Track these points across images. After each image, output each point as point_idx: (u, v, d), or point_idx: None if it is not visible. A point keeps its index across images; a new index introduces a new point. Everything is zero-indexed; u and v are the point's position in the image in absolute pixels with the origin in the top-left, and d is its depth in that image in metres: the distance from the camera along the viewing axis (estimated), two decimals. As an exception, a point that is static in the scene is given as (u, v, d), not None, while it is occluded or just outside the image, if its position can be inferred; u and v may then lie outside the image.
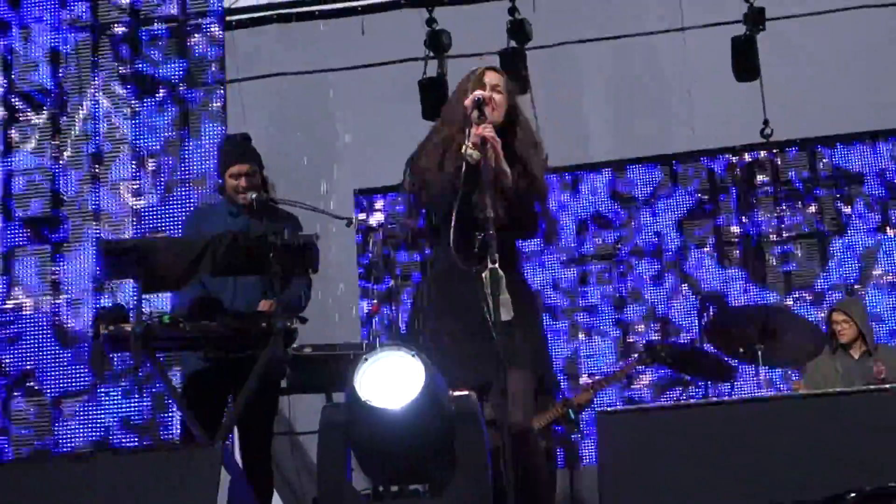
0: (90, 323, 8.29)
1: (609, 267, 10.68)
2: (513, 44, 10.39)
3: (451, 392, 4.48)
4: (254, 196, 6.70)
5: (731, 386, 8.82)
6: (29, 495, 4.49)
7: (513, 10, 10.40)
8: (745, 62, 10.13)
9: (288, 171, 10.01)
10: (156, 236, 7.33)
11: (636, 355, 8.60)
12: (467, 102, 5.03)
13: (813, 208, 10.60)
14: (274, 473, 7.24)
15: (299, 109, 11.14)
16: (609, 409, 4.83)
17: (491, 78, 5.39)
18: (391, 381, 4.20)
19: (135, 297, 6.22)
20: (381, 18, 10.83)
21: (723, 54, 10.16)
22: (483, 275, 4.77)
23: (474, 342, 4.92)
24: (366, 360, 4.26)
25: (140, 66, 9.37)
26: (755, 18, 10.07)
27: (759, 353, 7.85)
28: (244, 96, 10.48)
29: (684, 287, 10.42)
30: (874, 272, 10.36)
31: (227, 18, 9.97)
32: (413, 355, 4.24)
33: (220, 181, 6.88)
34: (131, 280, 6.50)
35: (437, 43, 10.43)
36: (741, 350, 7.98)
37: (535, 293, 5.59)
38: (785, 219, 10.60)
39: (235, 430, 6.68)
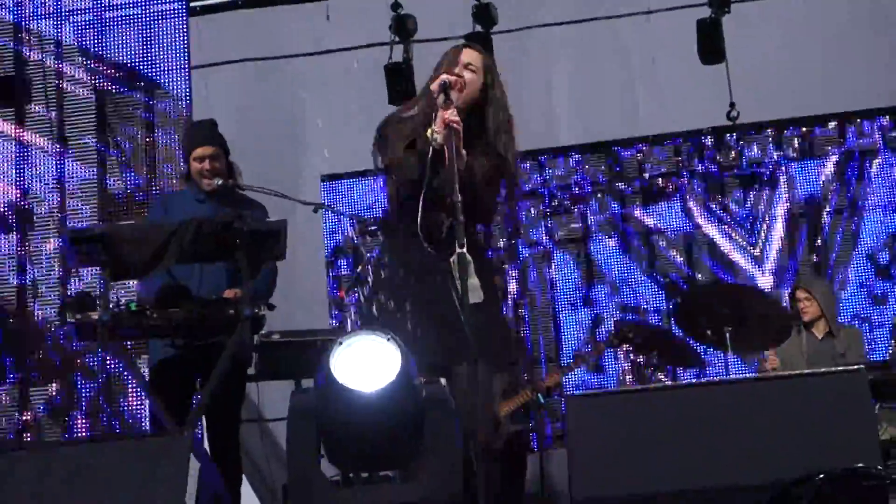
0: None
1: (577, 250, 10.69)
2: (478, 28, 10.33)
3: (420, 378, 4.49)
4: (219, 182, 6.67)
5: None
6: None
7: (477, -8, 10.36)
8: (711, 45, 10.12)
9: (254, 158, 9.96)
10: (122, 224, 7.29)
11: (605, 337, 8.62)
12: (434, 87, 5.01)
13: (782, 189, 10.63)
14: (243, 460, 7.24)
15: (265, 95, 11.12)
16: (577, 392, 4.80)
17: (466, 56, 5.35)
18: (367, 364, 4.20)
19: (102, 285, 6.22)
20: (346, 3, 10.80)
21: (688, 37, 10.14)
22: (451, 259, 4.77)
23: (440, 327, 4.91)
24: (341, 343, 4.25)
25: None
26: (721, 1, 10.06)
27: (728, 336, 7.85)
28: (209, 82, 10.46)
29: (652, 271, 10.45)
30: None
31: (192, 4, 9.92)
32: (389, 339, 4.23)
33: (185, 168, 6.81)
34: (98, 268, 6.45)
35: (403, 28, 10.37)
36: (710, 333, 7.98)
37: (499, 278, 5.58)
38: (748, 200, 10.63)
39: (203, 417, 6.64)
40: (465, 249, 4.75)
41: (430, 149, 4.93)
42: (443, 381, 4.54)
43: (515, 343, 5.52)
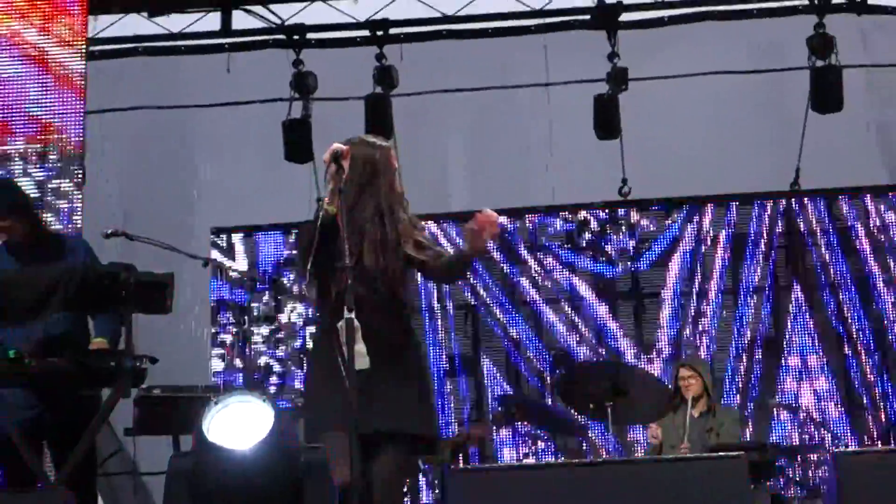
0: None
1: (465, 315, 10.67)
2: (379, 90, 10.36)
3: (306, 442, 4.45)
4: (109, 231, 6.60)
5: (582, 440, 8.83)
6: None
7: (380, 57, 10.41)
8: (607, 121, 10.22)
9: (146, 206, 9.90)
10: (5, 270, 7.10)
11: (493, 411, 8.58)
12: (325, 157, 4.98)
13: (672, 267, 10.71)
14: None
15: (160, 144, 11.02)
16: (457, 466, 4.74)
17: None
18: (239, 423, 4.15)
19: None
20: (247, 57, 10.76)
21: (585, 111, 10.23)
22: (339, 325, 4.72)
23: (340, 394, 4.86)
24: (216, 403, 4.22)
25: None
26: (618, 78, 10.18)
27: (609, 410, 7.87)
28: (104, 127, 10.34)
29: (539, 342, 10.44)
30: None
31: (91, 48, 9.81)
32: (263, 400, 4.21)
33: None
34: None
35: (303, 84, 10.38)
36: (591, 407, 7.98)
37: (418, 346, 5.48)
38: (637, 277, 10.70)
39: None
40: (353, 314, 4.72)
41: (322, 216, 4.89)
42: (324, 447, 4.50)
43: (427, 414, 5.40)
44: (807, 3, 10.32)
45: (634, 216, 10.80)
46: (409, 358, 5.23)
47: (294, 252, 9.76)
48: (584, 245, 10.79)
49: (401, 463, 5.09)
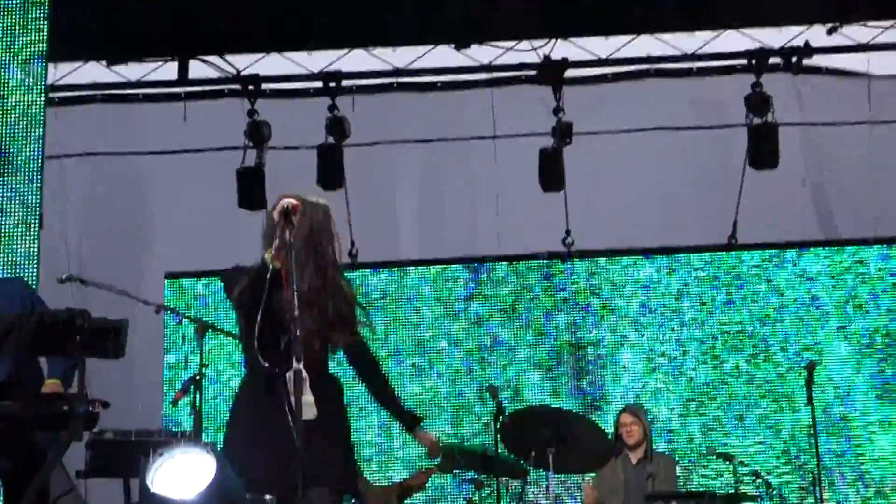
0: None
1: (419, 363, 10.64)
2: (331, 139, 10.41)
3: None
4: (64, 276, 6.62)
5: (523, 483, 8.82)
6: None
7: (332, 108, 10.45)
8: (551, 173, 10.31)
9: (102, 251, 9.89)
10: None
11: (436, 461, 8.52)
12: (276, 213, 5.04)
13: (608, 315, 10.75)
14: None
15: (117, 189, 10.99)
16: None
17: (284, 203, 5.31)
18: (183, 474, 4.20)
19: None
20: (203, 106, 10.83)
21: (531, 164, 10.33)
22: (287, 375, 4.79)
23: (276, 449, 4.91)
24: (160, 454, 4.27)
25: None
26: (563, 132, 10.28)
27: (551, 457, 7.89)
28: (66, 173, 10.35)
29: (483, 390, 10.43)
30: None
31: (51, 95, 9.82)
32: (206, 451, 4.25)
33: None
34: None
35: (257, 134, 10.41)
36: (533, 454, 8.00)
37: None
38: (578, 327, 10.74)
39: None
40: (301, 366, 4.78)
41: (269, 271, 4.96)
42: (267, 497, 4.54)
43: (354, 468, 5.45)
44: (745, 62, 10.48)
45: (577, 267, 10.85)
46: (339, 417, 5.36)
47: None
48: (531, 294, 10.85)
49: None
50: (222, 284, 5.60)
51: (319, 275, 5.25)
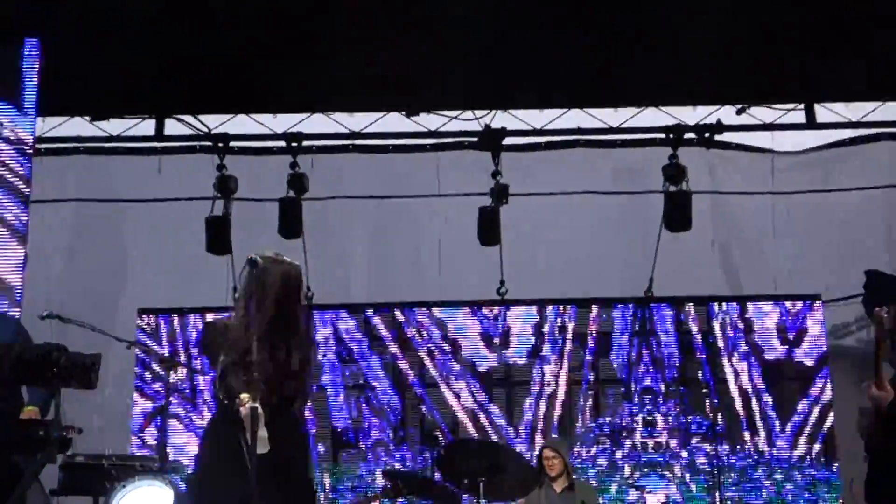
0: None
1: (359, 396, 10.53)
2: (291, 193, 10.34)
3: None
4: (45, 313, 6.53)
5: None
6: None
7: (294, 165, 10.40)
8: (489, 230, 10.28)
9: (81, 288, 9.77)
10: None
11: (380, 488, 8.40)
12: (244, 413, 4.90)
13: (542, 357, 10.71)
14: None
15: (97, 233, 10.88)
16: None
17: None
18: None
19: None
20: (176, 160, 10.74)
21: (471, 221, 10.31)
22: (243, 412, 4.69)
23: (238, 483, 4.79)
24: (123, 486, 4.14)
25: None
26: (500, 193, 10.26)
27: (481, 485, 7.82)
28: (47, 217, 10.23)
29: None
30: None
31: (38, 146, 9.74)
32: (164, 483, 4.13)
33: None
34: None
35: (225, 186, 10.32)
36: (465, 482, 7.94)
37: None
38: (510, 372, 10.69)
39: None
40: (258, 403, 4.69)
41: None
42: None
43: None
44: (663, 136, 10.52)
45: (510, 314, 10.79)
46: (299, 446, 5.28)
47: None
48: (467, 338, 10.77)
49: None
50: (202, 336, 5.54)
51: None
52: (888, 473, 6.21)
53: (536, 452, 8.97)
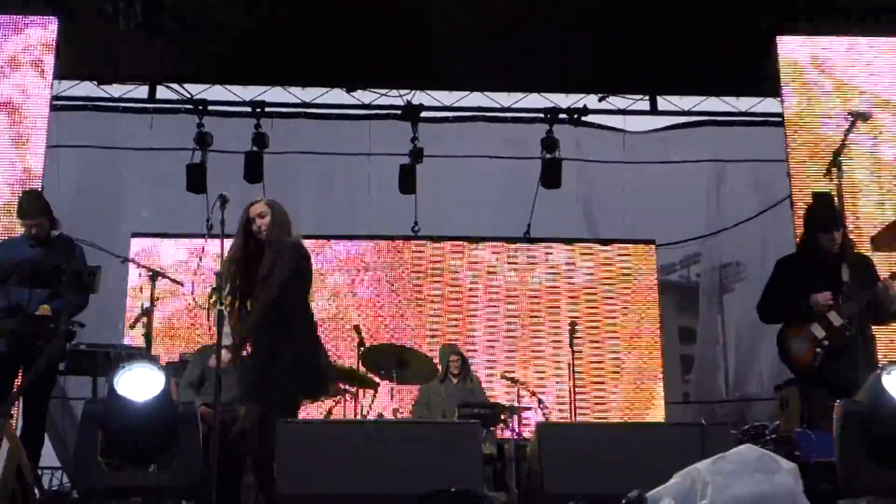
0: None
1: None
2: (255, 149, 10.20)
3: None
4: (56, 233, 6.42)
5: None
6: None
7: (257, 126, 10.23)
8: (407, 182, 10.35)
9: (87, 217, 9.58)
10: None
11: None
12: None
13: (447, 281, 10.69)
14: (49, 426, 6.97)
15: (100, 173, 10.61)
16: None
17: (257, 208, 5.41)
18: (140, 383, 4.02)
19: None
20: (165, 118, 10.50)
21: (394, 175, 10.31)
22: (212, 316, 4.69)
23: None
24: (124, 367, 4.08)
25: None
26: (416, 155, 10.30)
27: (394, 375, 7.88)
28: (61, 160, 10.01)
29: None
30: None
31: (55, 102, 9.50)
32: (158, 368, 4.08)
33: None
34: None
35: (203, 140, 10.11)
36: (383, 372, 7.99)
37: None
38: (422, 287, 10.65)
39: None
40: (222, 308, 4.69)
41: None
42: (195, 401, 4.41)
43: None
44: (542, 116, 10.55)
45: (424, 248, 10.79)
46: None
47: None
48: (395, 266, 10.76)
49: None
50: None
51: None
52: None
53: (439, 355, 8.98)
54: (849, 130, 5.54)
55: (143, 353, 6.49)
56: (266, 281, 5.12)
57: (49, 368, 6.13)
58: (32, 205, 6.40)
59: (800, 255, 6.09)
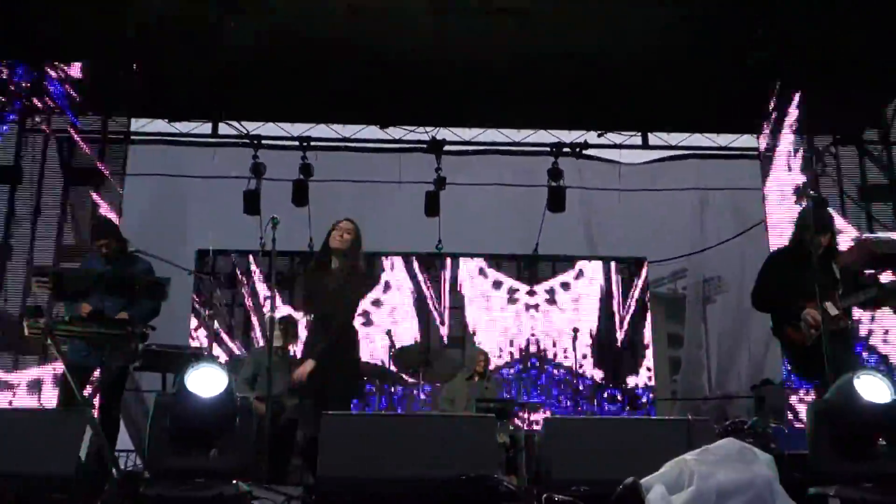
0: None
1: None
2: (301, 177, 10.23)
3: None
4: (132, 250, 6.43)
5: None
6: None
7: (304, 158, 10.29)
8: (432, 206, 10.34)
9: (158, 234, 9.60)
10: (66, 267, 6.87)
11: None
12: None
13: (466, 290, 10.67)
14: (123, 414, 6.95)
15: (170, 198, 10.73)
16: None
17: (344, 224, 5.50)
18: (207, 380, 3.99)
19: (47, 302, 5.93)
20: (225, 151, 10.52)
21: (420, 200, 10.23)
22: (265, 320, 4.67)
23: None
24: (193, 366, 4.06)
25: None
26: (440, 182, 10.29)
27: (422, 374, 7.85)
28: (137, 187, 10.08)
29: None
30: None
31: (132, 138, 9.58)
32: (221, 367, 4.06)
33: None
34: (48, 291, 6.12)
35: (257, 170, 10.17)
36: (411, 370, 7.95)
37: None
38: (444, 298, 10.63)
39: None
40: (274, 314, 4.68)
41: None
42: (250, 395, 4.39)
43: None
44: (548, 150, 10.52)
45: (447, 263, 10.76)
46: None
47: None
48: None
49: None
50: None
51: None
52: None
53: (468, 355, 8.94)
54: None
55: (207, 354, 6.49)
56: (340, 299, 5.16)
57: (124, 366, 6.13)
58: (103, 227, 6.47)
59: (791, 249, 5.66)
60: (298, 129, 10.58)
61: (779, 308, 5.52)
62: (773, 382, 8.38)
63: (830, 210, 5.38)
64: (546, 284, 10.74)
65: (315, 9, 8.22)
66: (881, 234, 5.52)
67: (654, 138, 10.90)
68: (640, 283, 10.74)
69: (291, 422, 7.28)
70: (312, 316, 5.22)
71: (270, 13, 8.24)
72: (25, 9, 8.13)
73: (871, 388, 3.76)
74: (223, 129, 10.59)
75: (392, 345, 8.08)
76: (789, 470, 4.25)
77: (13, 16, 8.16)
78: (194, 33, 8.35)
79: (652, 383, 10.42)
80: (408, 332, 10.42)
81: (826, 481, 3.71)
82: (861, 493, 3.64)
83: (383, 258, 10.66)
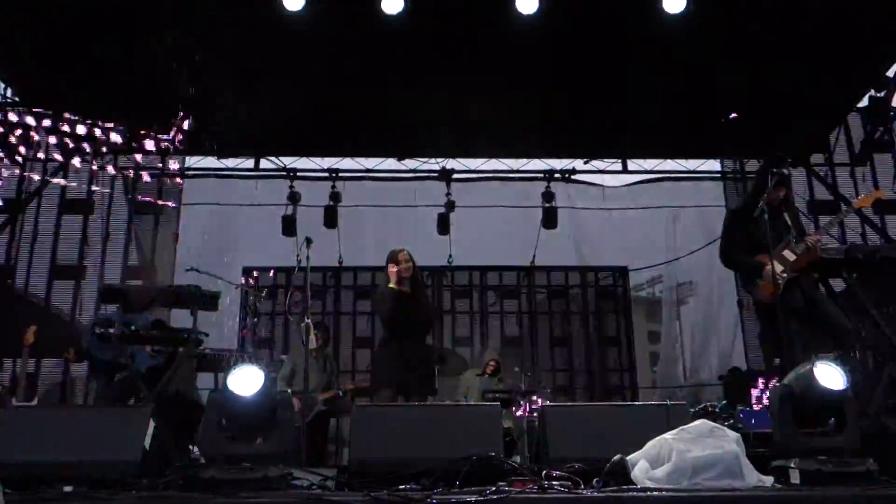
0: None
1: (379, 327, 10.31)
2: (331, 203, 10.24)
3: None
4: (188, 268, 6.45)
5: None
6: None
7: (333, 187, 10.30)
8: (443, 226, 10.36)
9: (211, 255, 9.65)
10: (132, 283, 6.89)
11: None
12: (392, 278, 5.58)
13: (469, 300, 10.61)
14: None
15: (219, 223, 10.70)
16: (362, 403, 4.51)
17: (405, 255, 5.79)
18: (246, 380, 3.97)
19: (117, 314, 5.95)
20: (266, 183, 10.58)
21: (433, 221, 10.20)
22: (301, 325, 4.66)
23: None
24: (233, 368, 4.05)
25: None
26: (450, 205, 10.32)
27: (438, 369, 7.75)
28: (192, 214, 10.13)
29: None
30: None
31: (186, 172, 9.65)
32: (259, 368, 4.04)
33: None
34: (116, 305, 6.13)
35: (293, 197, 10.22)
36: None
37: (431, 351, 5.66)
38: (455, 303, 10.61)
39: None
40: (309, 320, 4.66)
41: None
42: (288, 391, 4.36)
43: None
44: (542, 175, 10.51)
45: (457, 276, 10.75)
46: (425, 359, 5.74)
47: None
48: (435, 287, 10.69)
49: None
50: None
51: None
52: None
53: (485, 359, 8.84)
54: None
55: (249, 356, 6.48)
56: (422, 310, 5.61)
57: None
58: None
59: (746, 206, 5.22)
60: (328, 162, 10.62)
61: (742, 264, 5.27)
62: (739, 371, 8.35)
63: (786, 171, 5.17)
64: (542, 290, 10.71)
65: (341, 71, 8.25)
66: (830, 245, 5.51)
67: (632, 164, 10.89)
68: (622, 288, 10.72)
69: (324, 413, 7.28)
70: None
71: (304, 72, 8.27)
72: (117, 72, 8.00)
73: (827, 375, 3.74)
74: (264, 163, 10.64)
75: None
76: (755, 446, 4.24)
77: (110, 81, 8.04)
78: (239, 86, 8.39)
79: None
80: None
81: (788, 454, 3.68)
82: (818, 464, 3.62)
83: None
